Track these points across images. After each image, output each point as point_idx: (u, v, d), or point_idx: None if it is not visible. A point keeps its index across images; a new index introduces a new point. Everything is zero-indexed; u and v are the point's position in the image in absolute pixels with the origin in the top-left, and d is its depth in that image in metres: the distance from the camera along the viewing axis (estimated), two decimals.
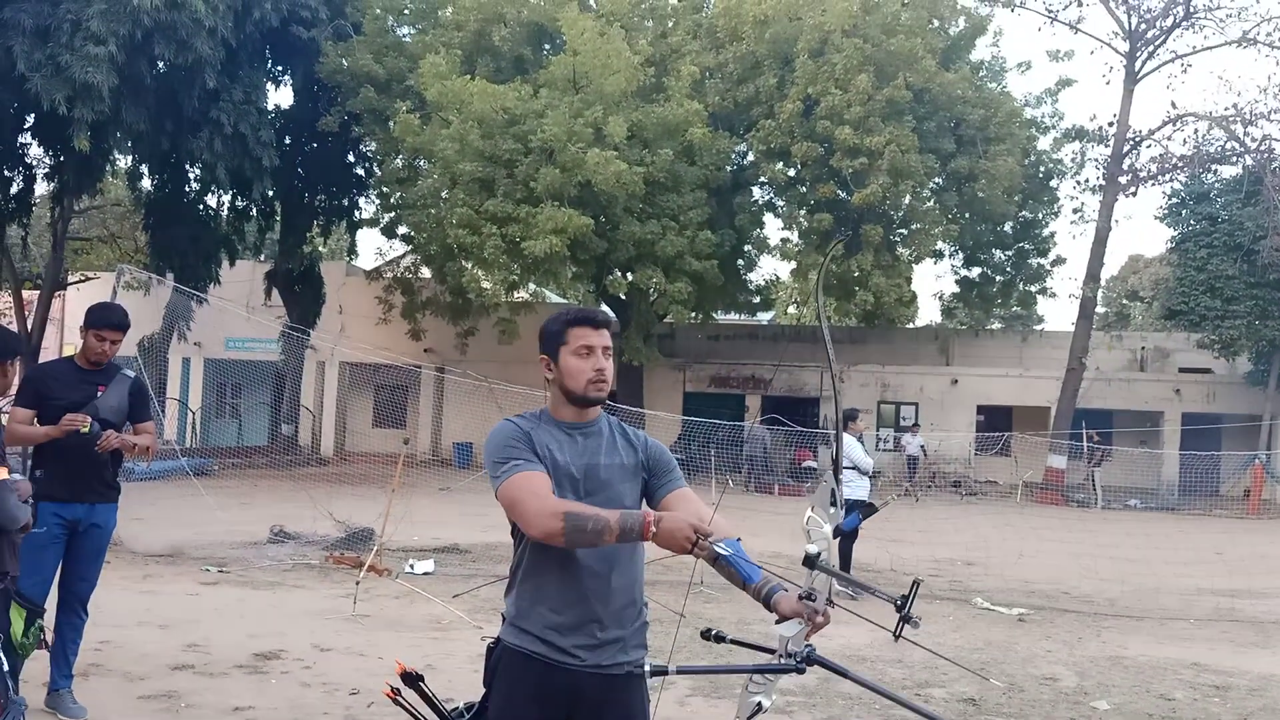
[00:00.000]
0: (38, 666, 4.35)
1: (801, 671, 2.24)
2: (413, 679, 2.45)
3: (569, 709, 2.35)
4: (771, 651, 2.37)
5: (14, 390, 4.11)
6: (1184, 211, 24.52)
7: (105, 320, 4.32)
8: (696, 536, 2.15)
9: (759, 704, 2.31)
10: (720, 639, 2.40)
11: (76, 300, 26.90)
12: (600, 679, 2.33)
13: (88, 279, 27.22)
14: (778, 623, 2.24)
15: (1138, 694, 5.72)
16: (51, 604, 4.26)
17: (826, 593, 2.20)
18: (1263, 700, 5.68)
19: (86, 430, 4.12)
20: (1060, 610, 8.48)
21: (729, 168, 22.39)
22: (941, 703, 5.33)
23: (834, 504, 2.28)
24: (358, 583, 7.25)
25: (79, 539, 4.33)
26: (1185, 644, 7.29)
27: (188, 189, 22.55)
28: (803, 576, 2.22)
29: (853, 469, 8.87)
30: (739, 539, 2.28)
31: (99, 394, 4.33)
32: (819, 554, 2.19)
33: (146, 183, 23.05)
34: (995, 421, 25.41)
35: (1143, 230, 78.20)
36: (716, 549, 2.18)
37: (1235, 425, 23.69)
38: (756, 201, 23.43)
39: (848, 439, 9.23)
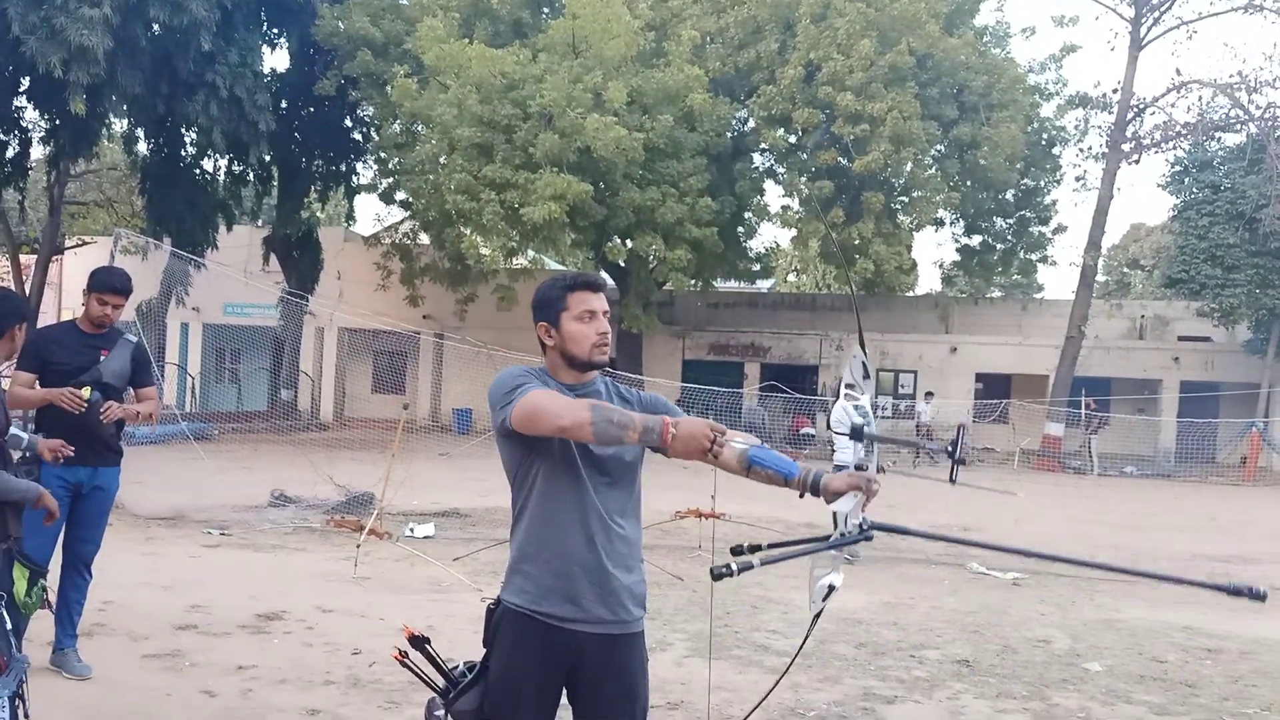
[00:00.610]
0: (42, 626, 4.40)
1: (870, 539, 2.31)
2: (420, 642, 2.48)
3: (569, 670, 2.38)
4: (813, 541, 2.43)
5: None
6: (1186, 179, 24.40)
7: (108, 284, 4.32)
8: (714, 434, 2.17)
9: (830, 585, 2.40)
10: (755, 548, 2.37)
11: (74, 264, 26.83)
12: (601, 640, 2.36)
13: (85, 243, 27.14)
14: (830, 503, 2.29)
15: (1130, 656, 5.79)
16: (55, 566, 4.30)
17: (875, 462, 2.32)
18: (1254, 663, 5.75)
19: (87, 397, 4.13)
20: (1054, 575, 8.56)
21: (729, 134, 22.22)
22: (936, 664, 5.40)
23: (867, 376, 2.41)
24: (359, 546, 7.31)
25: (82, 502, 4.37)
26: (1178, 608, 7.36)
27: (184, 153, 22.40)
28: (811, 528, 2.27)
29: (846, 434, 8.88)
30: (761, 443, 2.31)
31: (102, 358, 4.34)
32: (865, 424, 2.30)
33: (142, 146, 22.90)
34: (994, 389, 25.49)
35: (1145, 198, 77.86)
36: (735, 445, 2.21)
37: (1233, 393, 23.77)
38: (757, 168, 23.30)
39: (846, 406, 9.25)
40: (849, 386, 2.53)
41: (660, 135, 19.23)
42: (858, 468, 2.31)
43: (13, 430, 3.57)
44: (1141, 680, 5.28)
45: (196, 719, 4.02)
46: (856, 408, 2.48)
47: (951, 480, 2.40)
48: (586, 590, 2.34)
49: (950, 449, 2.38)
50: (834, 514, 2.35)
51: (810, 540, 2.43)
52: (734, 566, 2.21)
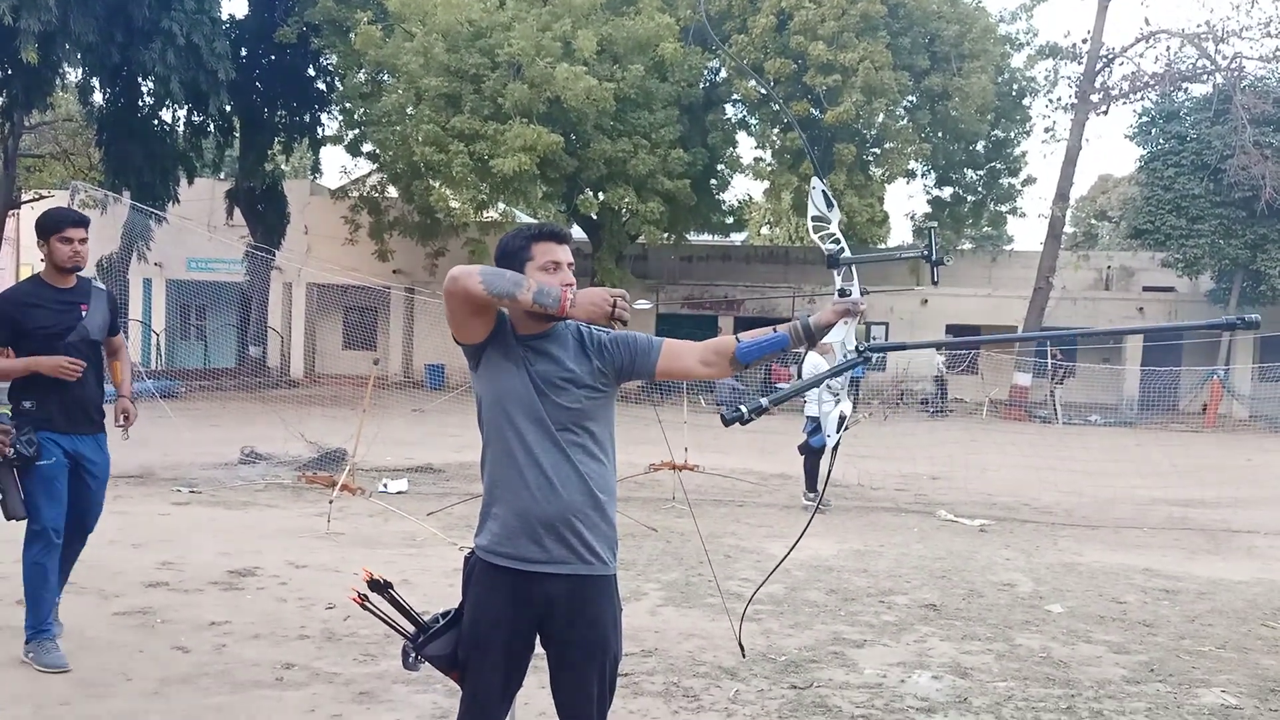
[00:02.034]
0: (13, 584, 4.36)
1: (868, 360, 2.39)
2: (380, 586, 2.47)
3: (541, 619, 2.39)
4: (814, 377, 2.54)
5: None
6: (1153, 130, 24.55)
7: (66, 219, 4.03)
8: (614, 298, 2.18)
9: (841, 414, 2.56)
10: (758, 410, 2.33)
11: (31, 219, 26.15)
12: (569, 584, 2.36)
13: (41, 197, 26.45)
14: (822, 339, 2.36)
15: (1091, 598, 5.94)
16: (19, 531, 4.25)
17: (857, 286, 2.46)
18: (1211, 603, 5.92)
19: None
20: (1020, 521, 8.74)
21: (701, 84, 21.99)
22: (904, 608, 5.51)
23: (831, 205, 2.54)
24: (331, 501, 7.28)
25: (83, 471, 4.16)
26: (1138, 551, 7.55)
27: (141, 103, 21.81)
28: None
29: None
30: (739, 339, 2.37)
31: (83, 314, 4.11)
32: (840, 250, 2.39)
33: (98, 97, 22.24)
34: None
35: (1113, 150, 78.32)
36: (640, 306, 2.27)
37: (1195, 342, 24.20)
38: (729, 119, 23.10)
39: (817, 359, 9.33)
40: (816, 219, 2.59)
41: (631, 85, 18.98)
42: (840, 293, 2.39)
43: None
44: (1101, 621, 5.42)
45: (169, 675, 4.01)
46: (828, 244, 2.53)
47: (934, 281, 2.54)
48: (549, 530, 2.34)
49: (926, 251, 2.50)
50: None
51: (797, 391, 2.51)
52: (744, 410, 2.25)
